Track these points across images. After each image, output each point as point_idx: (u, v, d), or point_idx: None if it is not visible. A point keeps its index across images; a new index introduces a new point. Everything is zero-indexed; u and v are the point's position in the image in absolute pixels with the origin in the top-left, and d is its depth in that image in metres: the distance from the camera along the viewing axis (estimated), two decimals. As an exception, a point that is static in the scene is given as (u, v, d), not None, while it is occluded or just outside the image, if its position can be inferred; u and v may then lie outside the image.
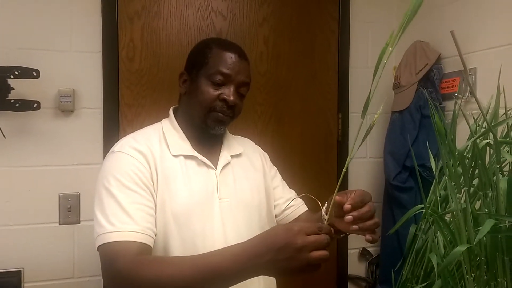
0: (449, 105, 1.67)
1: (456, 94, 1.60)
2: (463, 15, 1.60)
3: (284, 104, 1.90)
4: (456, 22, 1.61)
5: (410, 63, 1.76)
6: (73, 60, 1.65)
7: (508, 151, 0.66)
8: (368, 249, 2.00)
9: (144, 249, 0.89)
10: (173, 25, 1.77)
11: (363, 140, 0.71)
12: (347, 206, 0.85)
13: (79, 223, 1.67)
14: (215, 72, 1.02)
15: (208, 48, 1.06)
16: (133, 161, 0.97)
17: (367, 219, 0.87)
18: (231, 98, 1.02)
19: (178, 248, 0.97)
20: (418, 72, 1.71)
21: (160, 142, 1.04)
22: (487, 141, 0.66)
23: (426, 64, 1.69)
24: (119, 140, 1.06)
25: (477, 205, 0.77)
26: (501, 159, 0.66)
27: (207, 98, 1.02)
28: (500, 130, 0.79)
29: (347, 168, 0.74)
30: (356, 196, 0.87)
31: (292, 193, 1.25)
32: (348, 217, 0.85)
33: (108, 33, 1.69)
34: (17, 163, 1.60)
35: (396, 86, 1.81)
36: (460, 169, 0.74)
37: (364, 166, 1.99)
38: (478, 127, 0.93)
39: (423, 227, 0.99)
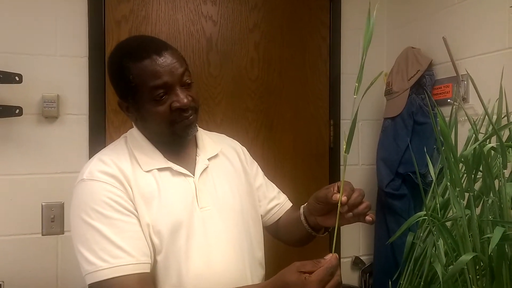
0: (442, 111, 1.65)
1: (448, 100, 1.58)
2: (453, 21, 1.59)
3: (275, 111, 1.87)
4: (447, 29, 1.61)
5: (402, 70, 1.74)
6: (58, 64, 1.60)
7: (513, 155, 0.63)
8: (361, 258, 1.96)
9: (144, 279, 0.86)
10: (162, 30, 1.73)
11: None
12: (344, 198, 0.84)
13: (63, 233, 1.60)
14: (149, 90, 0.90)
15: (125, 69, 0.92)
16: (107, 186, 0.90)
17: (359, 204, 0.88)
18: (184, 101, 0.91)
19: (160, 262, 0.91)
20: (410, 79, 1.69)
21: (130, 159, 0.96)
22: (492, 145, 0.64)
23: (418, 71, 1.68)
24: (92, 157, 0.99)
25: (477, 211, 0.75)
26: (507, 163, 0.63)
27: (163, 118, 0.93)
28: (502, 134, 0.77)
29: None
30: (346, 186, 0.86)
31: (275, 190, 1.18)
32: (347, 211, 0.86)
33: (94, 37, 1.64)
34: (-3, 171, 1.54)
35: (388, 92, 1.79)
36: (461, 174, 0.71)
37: (356, 173, 1.96)
38: (476, 132, 0.91)
39: (421, 235, 0.97)
